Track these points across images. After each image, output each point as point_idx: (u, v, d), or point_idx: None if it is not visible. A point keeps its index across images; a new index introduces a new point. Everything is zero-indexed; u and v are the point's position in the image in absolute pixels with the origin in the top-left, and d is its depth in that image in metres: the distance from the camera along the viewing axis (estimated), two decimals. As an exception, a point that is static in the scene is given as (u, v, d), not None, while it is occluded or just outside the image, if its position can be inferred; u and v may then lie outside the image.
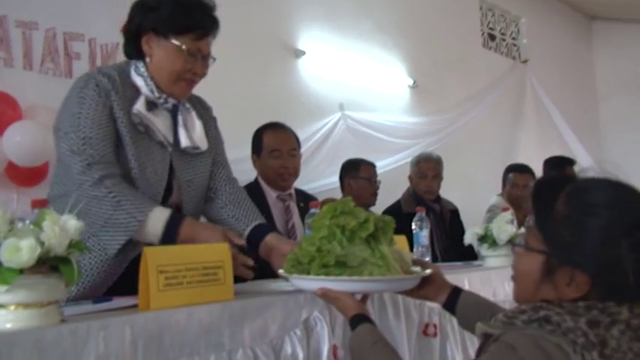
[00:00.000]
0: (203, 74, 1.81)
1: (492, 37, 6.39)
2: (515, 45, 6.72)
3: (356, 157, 3.73)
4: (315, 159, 4.07)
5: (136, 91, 1.75)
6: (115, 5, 3.16)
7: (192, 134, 1.83)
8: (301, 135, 3.18)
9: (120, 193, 1.59)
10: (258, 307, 1.41)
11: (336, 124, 4.35)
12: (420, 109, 5.17)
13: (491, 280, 2.23)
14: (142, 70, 1.76)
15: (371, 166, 3.64)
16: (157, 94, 1.76)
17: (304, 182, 3.38)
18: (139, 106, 1.72)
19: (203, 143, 1.88)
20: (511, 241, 2.41)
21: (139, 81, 1.75)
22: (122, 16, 3.13)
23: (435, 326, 1.89)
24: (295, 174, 2.89)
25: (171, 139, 1.81)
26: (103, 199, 1.58)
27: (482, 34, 6.23)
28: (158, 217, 1.59)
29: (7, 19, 2.82)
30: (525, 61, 6.66)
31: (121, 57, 3.10)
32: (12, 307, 1.12)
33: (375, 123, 4.63)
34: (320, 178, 3.97)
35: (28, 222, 1.15)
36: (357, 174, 3.55)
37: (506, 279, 2.30)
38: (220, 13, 1.85)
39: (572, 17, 7.77)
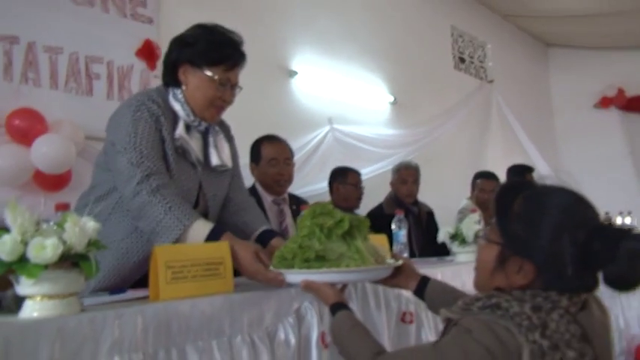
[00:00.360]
0: (231, 101, 1.82)
1: (462, 60, 6.41)
2: (482, 67, 6.74)
3: (343, 165, 3.74)
4: (307, 166, 4.07)
5: (175, 115, 1.76)
6: (130, 32, 3.18)
7: (221, 154, 1.85)
8: (294, 145, 3.18)
9: (172, 201, 1.59)
10: (255, 298, 1.41)
11: (325, 135, 4.34)
12: (399, 123, 5.17)
13: (462, 273, 2.22)
14: (180, 96, 1.76)
15: (356, 173, 3.64)
16: (192, 118, 1.77)
17: (297, 187, 3.38)
18: (180, 130, 1.73)
19: (229, 162, 1.90)
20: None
21: (176, 106, 1.76)
22: (135, 42, 3.20)
23: (411, 314, 1.89)
24: (290, 180, 2.89)
25: (201, 158, 1.82)
26: (157, 205, 1.57)
27: (454, 57, 6.25)
28: (200, 230, 1.58)
29: (36, 44, 2.82)
30: (491, 81, 6.67)
31: (134, 77, 3.14)
32: (38, 298, 1.12)
33: (360, 135, 4.63)
34: (311, 183, 3.96)
35: (52, 223, 1.15)
36: (345, 180, 3.56)
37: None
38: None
39: (531, 44, 7.81)
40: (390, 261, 1.49)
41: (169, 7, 3.37)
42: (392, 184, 3.85)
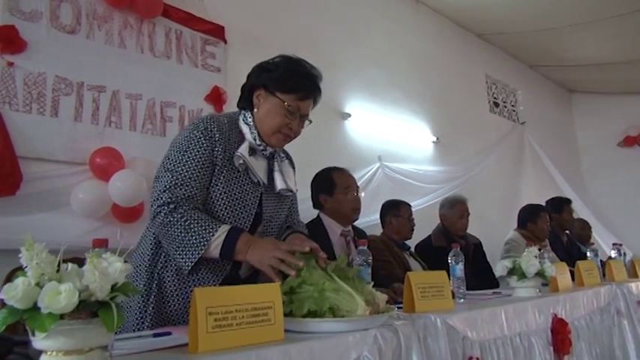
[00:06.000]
0: (298, 132, 1.53)
1: (497, 105, 5.94)
2: (514, 110, 6.24)
3: (392, 198, 3.29)
4: (360, 200, 3.67)
5: (242, 137, 1.50)
6: (200, 80, 2.95)
7: (287, 179, 1.57)
8: (348, 180, 2.81)
9: (190, 217, 1.33)
10: (309, 348, 1.00)
11: (375, 171, 3.96)
12: (441, 160, 4.75)
13: (527, 310, 1.73)
14: (249, 120, 1.52)
15: (408, 206, 3.13)
16: (257, 142, 1.50)
17: (350, 220, 2.97)
18: (243, 150, 1.47)
19: (294, 187, 1.62)
20: (539, 274, 1.93)
21: (244, 128, 1.51)
22: (204, 89, 2.92)
23: (477, 359, 1.42)
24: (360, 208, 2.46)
25: (266, 181, 1.53)
26: (175, 224, 1.32)
27: (489, 102, 5.80)
28: (220, 237, 1.33)
29: (120, 92, 2.62)
30: (523, 123, 6.16)
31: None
32: (53, 354, 0.78)
33: (407, 171, 4.23)
34: (363, 216, 3.50)
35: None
36: (398, 213, 3.03)
37: (536, 309, 1.82)
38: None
39: (557, 91, 7.30)
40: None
41: (235, 58, 3.14)
42: (444, 217, 3.34)
